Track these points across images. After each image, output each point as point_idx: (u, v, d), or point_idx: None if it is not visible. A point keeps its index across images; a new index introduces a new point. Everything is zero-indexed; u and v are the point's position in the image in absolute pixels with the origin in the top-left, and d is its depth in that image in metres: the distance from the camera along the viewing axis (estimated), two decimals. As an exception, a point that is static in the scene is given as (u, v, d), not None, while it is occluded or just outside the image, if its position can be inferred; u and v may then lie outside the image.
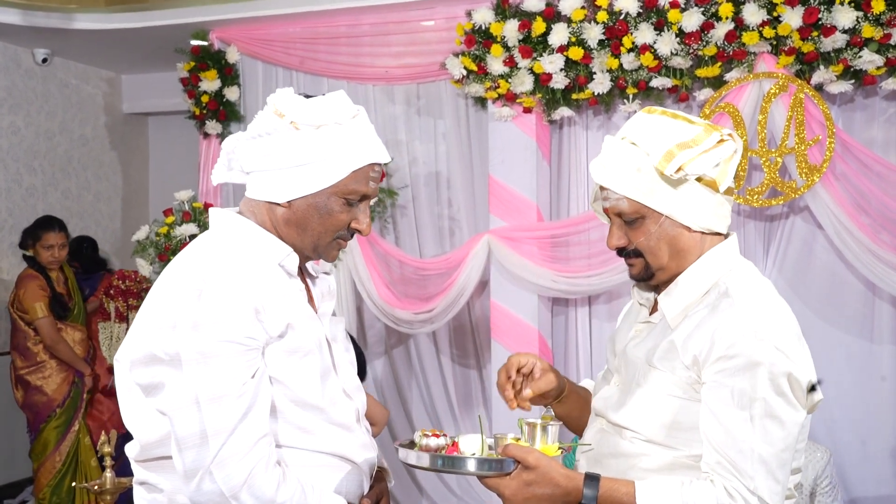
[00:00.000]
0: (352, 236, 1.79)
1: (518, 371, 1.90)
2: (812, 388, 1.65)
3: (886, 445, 4.25)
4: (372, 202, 1.94)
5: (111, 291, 5.19)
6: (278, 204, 1.72)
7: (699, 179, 1.68)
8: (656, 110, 1.76)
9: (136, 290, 5.20)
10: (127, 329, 5.09)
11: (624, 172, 1.71)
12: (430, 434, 1.70)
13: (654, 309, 1.84)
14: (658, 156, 1.67)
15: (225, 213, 1.77)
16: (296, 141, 1.67)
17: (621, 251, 1.79)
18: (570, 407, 1.97)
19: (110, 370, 5.16)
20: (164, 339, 1.59)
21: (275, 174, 1.69)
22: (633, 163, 1.70)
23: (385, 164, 1.79)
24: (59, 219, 5.18)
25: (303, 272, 1.83)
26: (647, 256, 1.75)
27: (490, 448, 1.71)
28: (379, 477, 1.90)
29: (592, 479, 1.63)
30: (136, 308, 5.12)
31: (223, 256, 1.66)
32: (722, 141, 1.70)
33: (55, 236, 5.01)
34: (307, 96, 1.72)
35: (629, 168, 1.70)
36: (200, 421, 1.55)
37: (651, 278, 1.79)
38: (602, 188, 1.76)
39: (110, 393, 5.24)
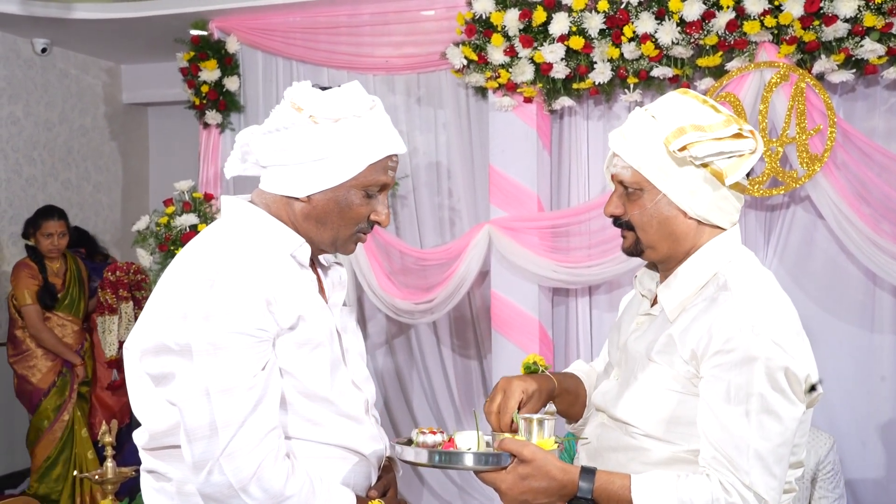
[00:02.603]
0: (371, 228, 1.78)
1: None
2: (812, 389, 1.64)
3: (886, 435, 4.25)
4: None
5: (103, 283, 5.22)
6: (297, 198, 1.71)
7: (706, 166, 1.67)
8: (690, 93, 1.76)
9: (128, 282, 5.19)
10: (119, 321, 5.10)
11: (635, 142, 1.71)
12: (427, 431, 1.71)
13: (655, 300, 1.83)
14: (669, 131, 1.66)
15: (237, 202, 1.76)
16: (315, 135, 1.65)
17: (617, 221, 1.79)
18: (558, 404, 1.96)
19: (109, 364, 5.18)
20: (174, 329, 1.59)
21: (293, 168, 1.68)
22: (646, 135, 1.70)
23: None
24: (60, 208, 5.20)
25: (314, 262, 1.83)
26: (637, 231, 1.75)
27: (488, 444, 1.71)
28: (387, 468, 1.90)
29: (588, 471, 1.63)
30: (126, 300, 5.14)
31: (235, 246, 1.65)
32: (739, 135, 1.68)
33: (55, 224, 5.06)
34: (323, 88, 1.71)
35: (641, 139, 1.70)
36: (210, 412, 1.55)
37: (641, 254, 1.78)
38: (614, 154, 1.76)
39: (112, 388, 5.24)
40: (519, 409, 1.81)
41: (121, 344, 5.16)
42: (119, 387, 5.24)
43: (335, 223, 1.73)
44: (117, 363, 5.16)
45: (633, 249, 1.78)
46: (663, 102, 1.74)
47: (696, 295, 1.71)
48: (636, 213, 1.73)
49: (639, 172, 1.70)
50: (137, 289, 5.29)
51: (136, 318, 5.19)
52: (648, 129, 1.70)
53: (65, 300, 5.14)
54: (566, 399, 1.96)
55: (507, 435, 1.67)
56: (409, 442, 1.72)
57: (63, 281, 5.16)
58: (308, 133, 1.66)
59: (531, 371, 1.94)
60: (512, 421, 1.77)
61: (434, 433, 1.70)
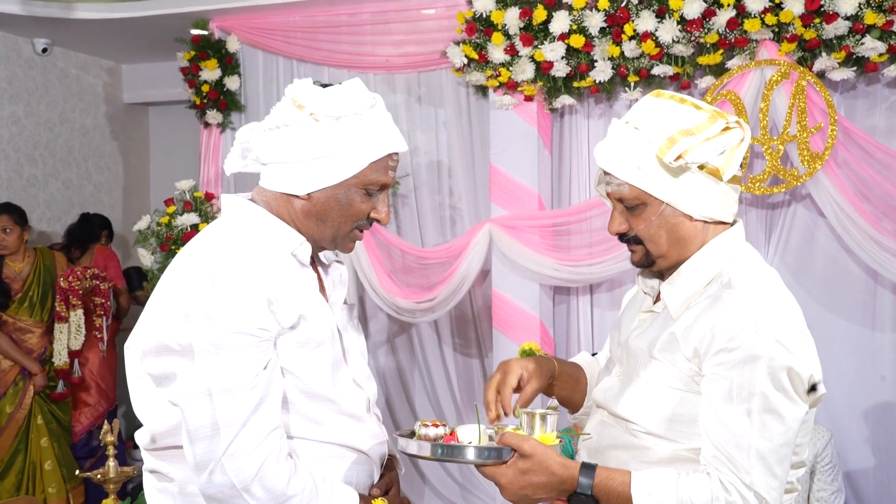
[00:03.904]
0: (370, 225, 1.79)
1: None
2: (812, 388, 1.63)
3: (887, 432, 4.26)
4: None
5: (56, 289, 5.01)
6: (297, 196, 1.71)
7: (702, 167, 1.66)
8: (665, 94, 1.73)
9: (79, 289, 4.97)
10: (68, 329, 4.91)
11: (626, 158, 1.68)
12: (430, 424, 1.71)
13: (658, 297, 1.82)
14: (659, 142, 1.64)
15: (237, 201, 1.76)
16: (316, 133, 1.65)
17: (623, 237, 1.78)
18: (559, 388, 1.96)
19: (57, 374, 4.97)
20: (176, 329, 1.59)
21: (294, 166, 1.68)
22: (635, 149, 1.67)
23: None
24: (15, 205, 5.05)
25: (315, 260, 1.83)
26: (646, 244, 1.74)
27: (490, 438, 1.72)
28: (389, 465, 1.90)
29: (589, 467, 1.63)
30: (76, 307, 4.95)
31: (236, 245, 1.65)
32: (727, 129, 1.67)
33: None
34: (324, 85, 1.71)
35: (631, 154, 1.68)
36: (212, 413, 1.55)
37: (652, 265, 1.78)
38: (605, 172, 1.74)
39: (57, 398, 5.00)
40: (518, 388, 1.81)
41: (70, 353, 4.96)
42: (63, 398, 5.00)
43: (336, 220, 1.73)
44: (65, 374, 4.96)
45: (644, 261, 1.78)
46: (642, 111, 1.71)
47: (700, 293, 1.70)
48: (642, 227, 1.72)
49: (638, 188, 1.68)
50: (95, 294, 5.10)
51: (85, 326, 4.97)
52: (635, 142, 1.68)
53: (23, 302, 4.94)
54: (567, 383, 1.96)
55: (509, 428, 1.67)
56: (412, 434, 1.72)
57: (24, 282, 4.96)
58: (309, 131, 1.66)
59: (528, 355, 1.94)
60: (513, 407, 1.78)
61: (437, 426, 1.70)
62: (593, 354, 2.15)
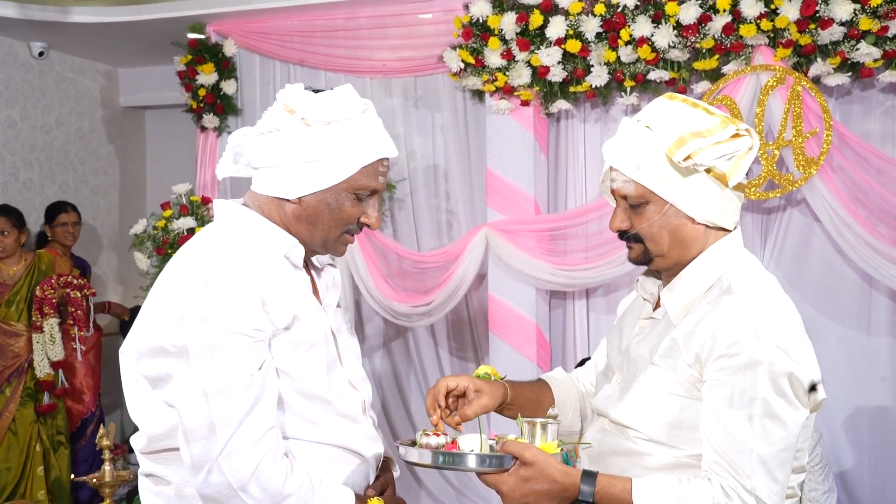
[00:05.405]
0: (360, 230, 1.80)
1: (449, 394, 1.86)
2: (812, 388, 1.63)
3: (882, 436, 4.26)
4: None
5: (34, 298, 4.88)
6: (288, 200, 1.72)
7: (709, 171, 1.66)
8: (677, 97, 1.74)
9: (53, 297, 4.85)
10: (42, 339, 4.81)
11: (634, 155, 1.69)
12: (431, 433, 1.72)
13: (657, 304, 1.82)
14: (669, 141, 1.65)
15: (230, 205, 1.77)
16: (307, 137, 1.67)
17: (623, 234, 1.78)
18: (515, 412, 1.91)
19: (41, 386, 4.85)
20: (171, 331, 1.60)
21: (285, 170, 1.69)
22: (646, 146, 1.68)
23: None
24: (12, 207, 5.00)
25: (308, 264, 1.84)
26: (647, 243, 1.74)
27: (491, 448, 1.72)
28: (385, 467, 1.91)
29: (590, 475, 1.63)
30: (49, 316, 4.84)
31: (229, 248, 1.66)
32: (737, 135, 1.68)
33: None
34: (315, 90, 1.72)
35: (641, 151, 1.69)
36: (208, 413, 1.56)
37: (649, 262, 1.78)
38: (612, 168, 1.75)
39: (42, 411, 4.86)
40: (447, 398, 1.85)
41: (52, 363, 4.84)
42: (50, 410, 4.88)
43: (326, 224, 1.74)
44: (49, 385, 4.84)
45: (642, 259, 1.77)
46: (655, 111, 1.72)
47: (701, 298, 1.70)
48: (644, 225, 1.72)
49: (643, 186, 1.69)
50: (68, 303, 4.97)
51: (61, 334, 4.84)
52: (646, 140, 1.68)
53: (10, 305, 4.86)
54: (525, 407, 1.93)
55: (511, 437, 1.67)
56: (413, 443, 1.73)
57: (13, 285, 4.88)
58: (300, 135, 1.67)
59: (484, 379, 1.93)
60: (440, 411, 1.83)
61: (437, 435, 1.71)
62: (586, 359, 2.15)
